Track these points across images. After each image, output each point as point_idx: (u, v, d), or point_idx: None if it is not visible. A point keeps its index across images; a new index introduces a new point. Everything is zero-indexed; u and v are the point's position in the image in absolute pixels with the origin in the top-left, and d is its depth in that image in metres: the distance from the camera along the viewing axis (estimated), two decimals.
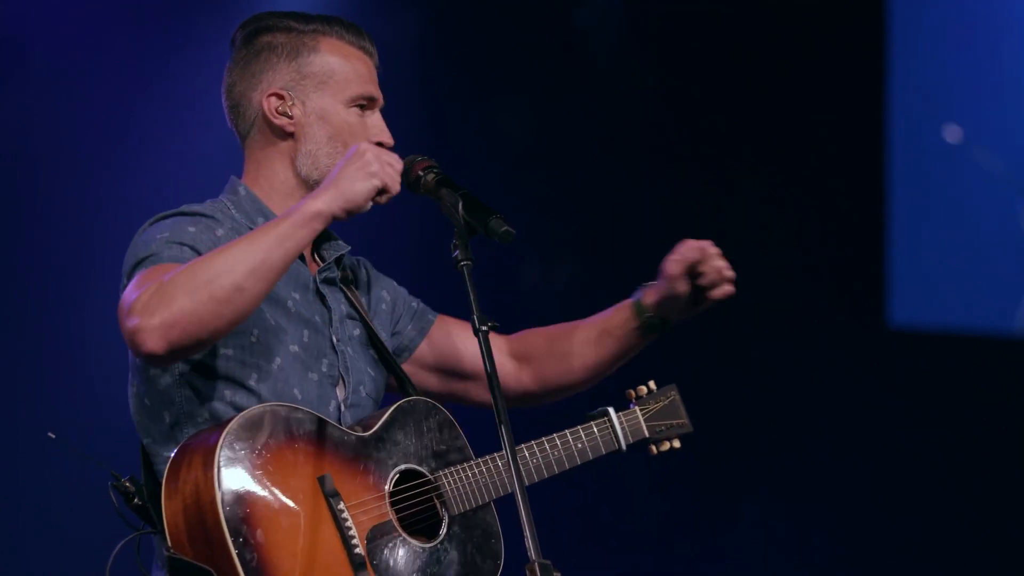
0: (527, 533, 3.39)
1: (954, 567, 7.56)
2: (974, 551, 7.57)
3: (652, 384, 4.22)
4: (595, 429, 4.06)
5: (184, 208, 3.82)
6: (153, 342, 3.45)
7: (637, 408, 4.16)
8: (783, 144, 7.59)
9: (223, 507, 3.45)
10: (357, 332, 3.96)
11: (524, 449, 3.93)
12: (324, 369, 3.83)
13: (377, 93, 3.96)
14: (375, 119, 3.95)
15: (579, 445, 4.01)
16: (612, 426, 4.08)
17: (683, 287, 3.99)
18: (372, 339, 3.98)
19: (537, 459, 3.94)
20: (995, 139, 7.66)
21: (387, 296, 4.13)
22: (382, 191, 3.62)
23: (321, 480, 3.59)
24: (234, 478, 3.48)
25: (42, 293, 6.38)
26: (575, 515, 7.04)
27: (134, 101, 6.53)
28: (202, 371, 3.70)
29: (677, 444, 4.21)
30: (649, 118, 7.52)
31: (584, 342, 4.11)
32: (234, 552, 3.44)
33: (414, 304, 4.17)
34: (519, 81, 7.36)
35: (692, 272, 3.99)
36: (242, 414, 3.56)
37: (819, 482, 7.47)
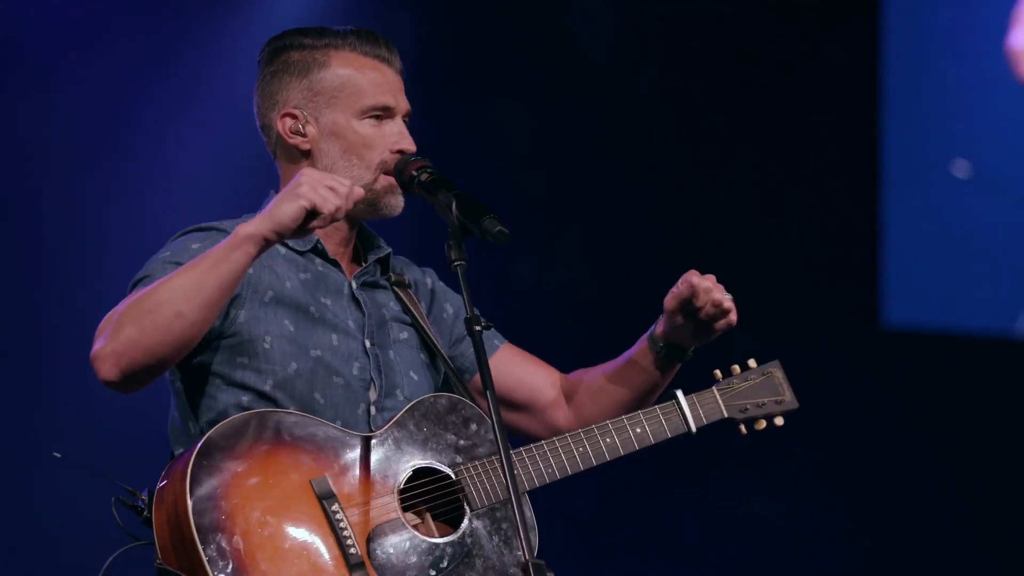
0: (520, 533, 3.37)
1: (953, 567, 7.55)
2: (974, 551, 7.57)
3: (752, 362, 4.17)
4: (659, 413, 3.99)
5: (203, 224, 3.88)
6: (106, 369, 3.51)
7: (715, 389, 4.10)
8: (779, 144, 7.59)
9: (194, 516, 3.46)
10: (404, 335, 3.97)
11: (568, 437, 3.89)
12: (355, 372, 3.83)
13: (394, 101, 3.95)
14: (393, 127, 3.94)
15: (638, 430, 3.95)
16: (680, 408, 4.02)
17: (681, 320, 3.96)
18: (424, 341, 3.98)
19: (583, 447, 3.89)
20: (990, 142, 7.67)
21: (450, 309, 4.14)
22: (314, 213, 3.53)
23: (314, 482, 3.58)
24: (208, 487, 3.48)
25: (40, 294, 6.38)
26: (572, 515, 7.04)
27: (132, 101, 6.53)
28: (219, 380, 3.75)
29: (779, 422, 4.14)
30: (646, 118, 7.52)
31: (614, 379, 4.09)
32: (206, 560, 3.44)
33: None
34: (516, 81, 7.36)
35: (689, 305, 3.95)
36: (223, 422, 3.58)
37: (815, 482, 7.46)
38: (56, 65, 6.45)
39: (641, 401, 4.07)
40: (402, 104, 3.97)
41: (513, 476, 3.42)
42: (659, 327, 4.01)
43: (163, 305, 3.49)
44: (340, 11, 6.67)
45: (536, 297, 7.26)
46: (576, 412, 4.12)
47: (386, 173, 3.92)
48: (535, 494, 3.82)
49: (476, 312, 4.02)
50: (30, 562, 6.33)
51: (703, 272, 4.04)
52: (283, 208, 3.52)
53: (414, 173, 3.83)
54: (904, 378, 7.59)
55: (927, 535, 7.54)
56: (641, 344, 4.05)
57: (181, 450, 3.73)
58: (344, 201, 3.56)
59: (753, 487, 7.43)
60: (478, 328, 3.58)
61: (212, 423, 3.67)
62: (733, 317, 3.98)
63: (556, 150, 7.42)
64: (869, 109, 7.62)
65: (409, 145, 3.93)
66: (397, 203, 3.94)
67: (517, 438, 3.93)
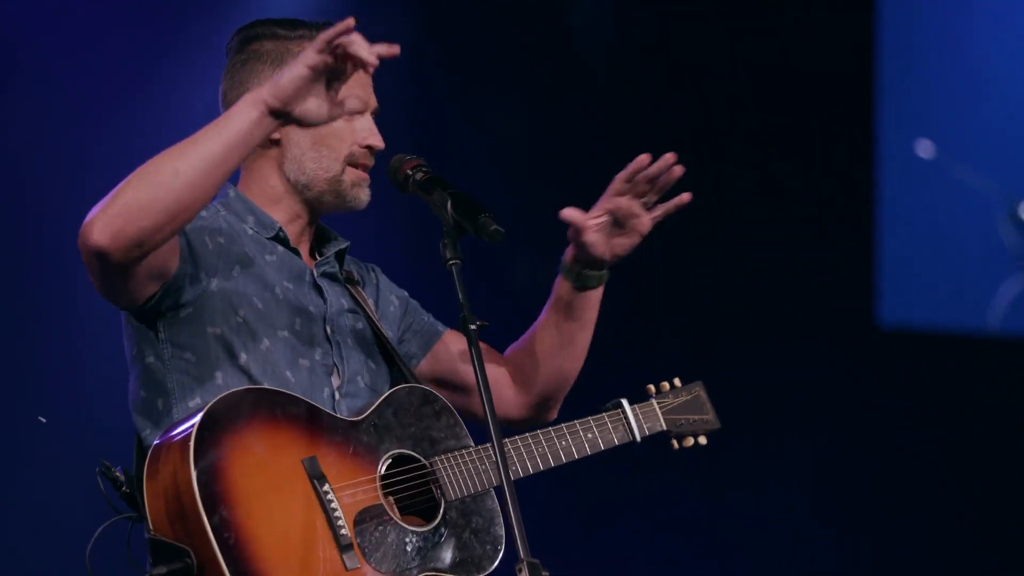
0: (516, 531, 3.38)
1: (953, 567, 7.55)
2: (974, 551, 7.56)
3: (677, 381, 4.27)
4: (607, 420, 4.09)
5: None
6: (96, 232, 3.44)
7: (655, 401, 4.19)
8: (773, 144, 7.59)
9: (199, 486, 3.45)
10: (360, 326, 3.98)
11: (529, 438, 3.96)
12: (317, 357, 3.85)
13: (364, 95, 3.95)
14: (363, 122, 3.96)
15: (589, 435, 4.04)
16: (626, 417, 4.11)
17: (590, 238, 3.99)
18: (376, 334, 4.00)
19: (543, 448, 3.96)
20: (982, 140, 7.67)
21: (396, 301, 4.17)
22: (317, 77, 3.44)
23: (306, 462, 3.59)
24: (211, 458, 3.48)
25: (35, 291, 6.39)
26: (569, 515, 7.04)
27: (128, 101, 6.54)
28: (190, 354, 3.74)
29: (703, 440, 4.25)
30: (640, 117, 7.52)
31: (545, 330, 4.12)
32: (210, 530, 3.43)
33: (425, 318, 4.20)
34: (513, 80, 7.36)
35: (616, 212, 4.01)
36: (223, 395, 3.57)
37: (811, 481, 7.46)
38: (51, 65, 6.45)
39: (576, 342, 4.11)
40: (372, 101, 3.99)
41: (507, 468, 3.45)
42: (567, 257, 4.06)
43: (161, 168, 3.46)
44: (337, 10, 6.67)
45: (531, 297, 7.24)
46: (522, 385, 4.17)
47: (352, 165, 3.95)
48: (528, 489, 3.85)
49: (416, 306, 4.09)
50: (13, 538, 6.35)
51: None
52: (286, 71, 3.46)
53: (409, 172, 3.84)
54: (899, 377, 7.59)
55: (926, 535, 7.53)
56: (558, 284, 4.09)
57: (149, 430, 3.72)
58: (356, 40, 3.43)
59: (749, 485, 7.42)
60: (473, 327, 3.59)
61: (184, 400, 3.68)
62: (646, 222, 4.03)
63: (553, 149, 7.42)
64: (864, 108, 7.62)
65: (377, 141, 3.95)
66: (363, 196, 3.97)
67: (479, 435, 3.95)
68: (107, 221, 3.43)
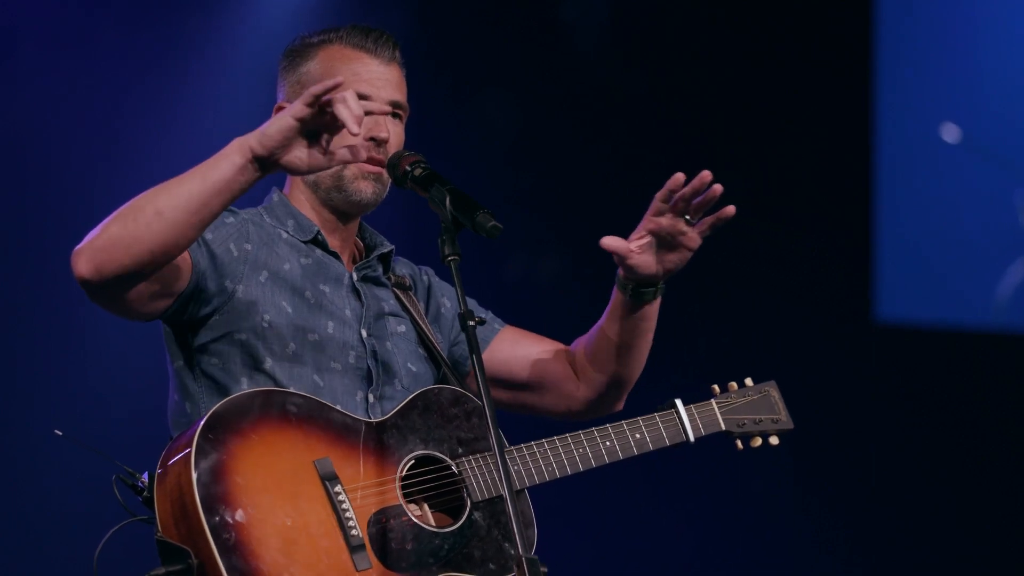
0: (514, 529, 3.39)
1: (953, 564, 7.56)
2: (972, 550, 7.58)
3: (748, 381, 4.23)
4: (658, 420, 4.06)
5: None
6: (81, 264, 3.52)
7: (714, 401, 4.16)
8: (770, 140, 7.59)
9: (198, 487, 3.47)
10: (402, 329, 4.00)
11: (569, 438, 3.94)
12: (351, 361, 3.86)
13: (370, 89, 3.97)
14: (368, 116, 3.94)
15: (637, 436, 4.01)
16: (679, 417, 4.08)
17: (631, 258, 3.96)
18: (421, 337, 4.01)
19: (583, 449, 3.93)
20: (980, 132, 7.67)
21: (448, 303, 4.19)
22: (305, 134, 3.49)
23: (318, 463, 3.60)
24: (212, 459, 3.50)
25: (36, 288, 6.40)
26: (572, 516, 7.06)
27: (127, 95, 6.55)
28: (216, 359, 3.78)
29: (774, 441, 4.23)
30: (635, 112, 7.52)
31: (604, 336, 4.10)
32: (208, 531, 3.45)
33: (481, 315, 4.15)
34: (505, 76, 7.36)
35: (660, 231, 3.96)
36: (229, 398, 3.60)
37: (808, 477, 7.47)
38: (50, 58, 6.45)
39: (636, 351, 4.08)
40: (383, 94, 3.99)
41: (507, 466, 3.44)
42: (620, 272, 4.03)
43: (146, 205, 3.50)
44: (330, 7, 6.67)
45: (529, 292, 7.27)
46: (586, 381, 4.15)
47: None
48: (537, 492, 3.85)
49: (470, 308, 4.07)
50: (30, 541, 6.35)
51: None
52: (275, 122, 3.51)
53: (407, 168, 3.84)
54: (897, 373, 7.60)
55: (925, 532, 7.55)
56: (614, 295, 4.06)
57: (177, 433, 3.73)
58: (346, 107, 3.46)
59: (746, 483, 7.43)
60: (472, 323, 3.59)
61: (210, 404, 3.68)
62: (694, 237, 3.97)
63: (543, 145, 7.43)
64: (861, 103, 7.63)
65: (379, 132, 3.94)
66: (365, 188, 3.96)
67: (520, 433, 3.94)
68: (91, 254, 3.51)
